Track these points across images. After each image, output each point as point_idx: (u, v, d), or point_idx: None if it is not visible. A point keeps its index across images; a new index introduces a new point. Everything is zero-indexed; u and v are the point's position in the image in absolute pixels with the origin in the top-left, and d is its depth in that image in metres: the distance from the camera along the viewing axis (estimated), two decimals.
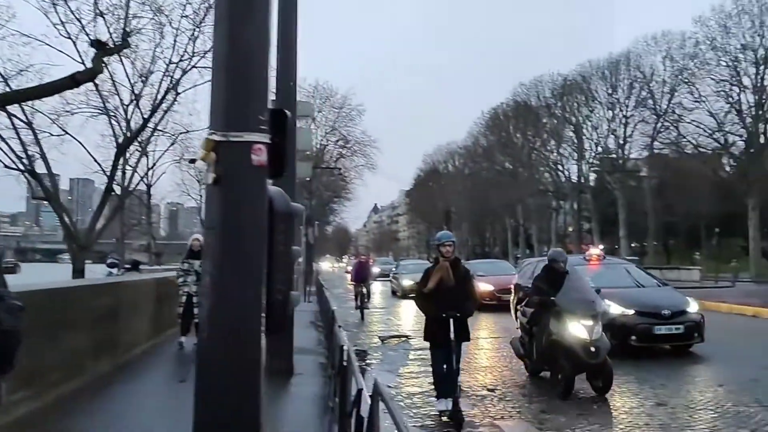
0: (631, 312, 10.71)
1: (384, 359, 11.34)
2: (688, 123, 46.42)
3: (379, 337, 13.76)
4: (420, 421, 7.12)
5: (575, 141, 58.23)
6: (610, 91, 53.63)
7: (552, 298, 8.09)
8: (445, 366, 7.01)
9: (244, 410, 2.53)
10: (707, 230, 50.93)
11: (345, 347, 5.59)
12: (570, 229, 65.88)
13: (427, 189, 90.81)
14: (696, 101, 44.88)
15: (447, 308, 6.87)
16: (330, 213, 66.36)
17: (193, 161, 16.28)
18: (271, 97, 9.47)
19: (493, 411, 7.43)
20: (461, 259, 7.83)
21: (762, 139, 43.69)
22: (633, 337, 10.51)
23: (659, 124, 50.10)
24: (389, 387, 8.83)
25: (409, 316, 19.54)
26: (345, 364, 5.33)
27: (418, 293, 7.50)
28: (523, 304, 9.92)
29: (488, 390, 8.51)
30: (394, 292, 28.56)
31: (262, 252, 2.49)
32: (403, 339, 13.59)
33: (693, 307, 11.15)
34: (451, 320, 6.84)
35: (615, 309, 10.45)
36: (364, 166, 53.10)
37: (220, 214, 2.50)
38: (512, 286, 14.04)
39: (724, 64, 43.17)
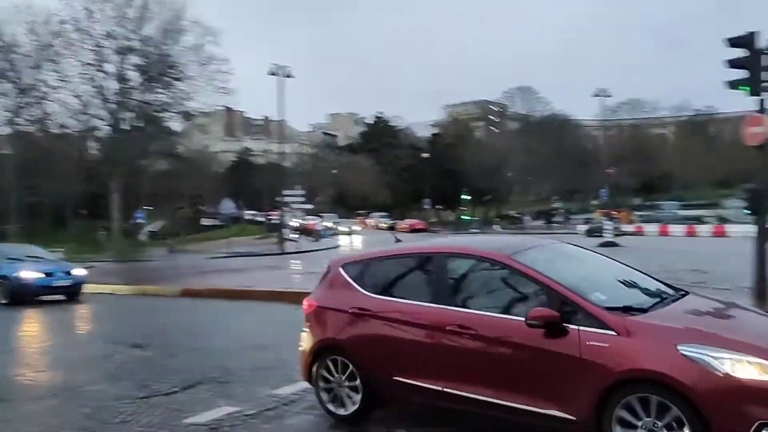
0: None
1: None
2: (54, 102, 45.45)
3: None
4: None
5: None
6: None
7: None
8: None
9: None
10: (74, 211, 51.38)
11: None
12: None
13: None
14: (62, 81, 44.16)
15: None
16: None
17: None
18: None
19: None
20: None
21: (125, 126, 46.23)
22: None
23: (22, 100, 47.43)
24: None
25: None
26: None
27: None
28: None
29: None
30: None
31: None
32: None
33: None
34: None
35: None
36: None
37: None
38: None
39: (89, 48, 43.74)
